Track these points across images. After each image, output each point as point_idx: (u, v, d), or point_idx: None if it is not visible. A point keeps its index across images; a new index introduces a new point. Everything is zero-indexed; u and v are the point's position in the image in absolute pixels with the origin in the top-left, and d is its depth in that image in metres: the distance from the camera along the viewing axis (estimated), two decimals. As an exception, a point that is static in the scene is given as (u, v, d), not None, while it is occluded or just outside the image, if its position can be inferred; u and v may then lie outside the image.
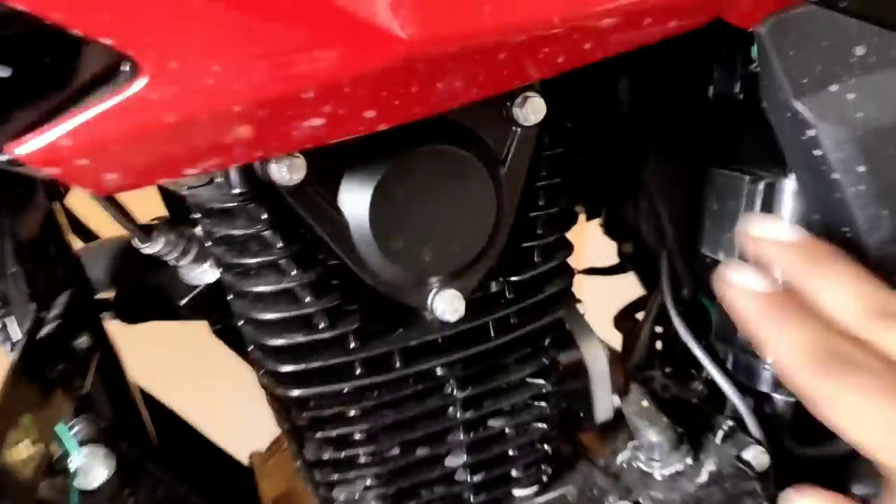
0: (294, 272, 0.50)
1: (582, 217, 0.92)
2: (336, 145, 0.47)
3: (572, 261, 0.61)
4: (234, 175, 0.47)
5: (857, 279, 0.44)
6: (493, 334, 0.57)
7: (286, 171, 0.45)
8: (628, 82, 0.74)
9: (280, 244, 0.49)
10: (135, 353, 0.71)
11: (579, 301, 0.70)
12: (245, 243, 0.51)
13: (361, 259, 0.49)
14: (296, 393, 0.54)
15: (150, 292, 0.66)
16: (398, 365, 0.54)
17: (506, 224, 0.53)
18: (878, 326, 0.42)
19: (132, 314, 0.66)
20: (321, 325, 0.52)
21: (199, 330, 0.68)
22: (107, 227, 0.66)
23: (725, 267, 0.45)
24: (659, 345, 0.84)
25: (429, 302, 0.52)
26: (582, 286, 0.73)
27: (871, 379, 0.40)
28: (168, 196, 0.65)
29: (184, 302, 0.63)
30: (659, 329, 0.82)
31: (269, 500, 0.73)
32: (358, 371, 0.54)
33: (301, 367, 0.52)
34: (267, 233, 0.49)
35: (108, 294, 0.68)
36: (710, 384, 0.77)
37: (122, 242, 0.70)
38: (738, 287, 0.45)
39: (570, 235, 0.61)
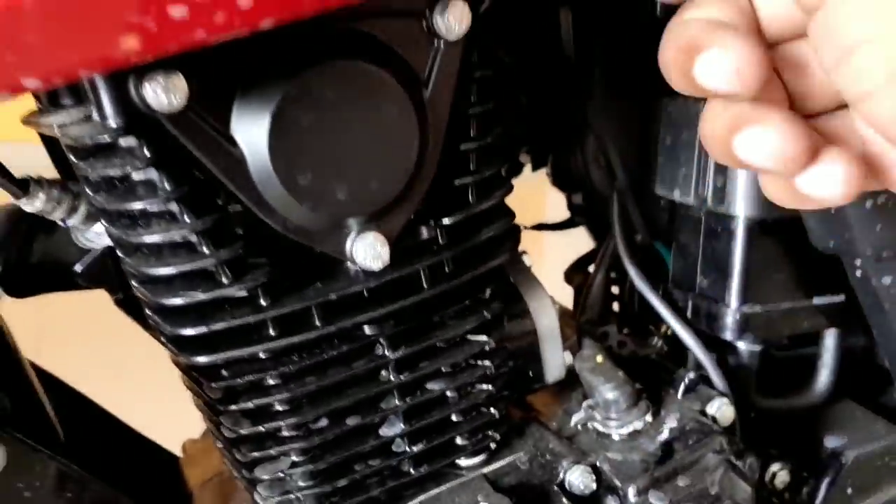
0: (187, 218, 0.43)
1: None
2: (224, 61, 0.40)
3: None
4: (107, 104, 0.40)
5: None
6: (425, 285, 0.50)
7: (163, 94, 0.38)
8: (569, 13, 0.68)
9: (167, 185, 0.42)
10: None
11: (524, 252, 0.65)
12: (127, 185, 0.43)
13: (263, 199, 0.43)
14: (202, 359, 0.47)
15: (39, 260, 0.58)
16: (318, 323, 0.48)
17: (432, 156, 0.47)
18: None
19: (20, 286, 0.58)
20: (224, 280, 0.45)
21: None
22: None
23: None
24: (615, 307, 0.78)
25: (348, 248, 0.45)
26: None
27: None
28: (55, 154, 0.58)
29: (78, 268, 0.56)
30: (614, 290, 0.77)
31: (196, 486, 0.66)
32: (271, 332, 0.47)
33: (204, 329, 0.46)
34: (151, 172, 0.42)
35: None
36: (671, 340, 0.72)
37: (6, 210, 0.62)
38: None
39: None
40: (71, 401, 0.66)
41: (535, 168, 0.83)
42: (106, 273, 0.57)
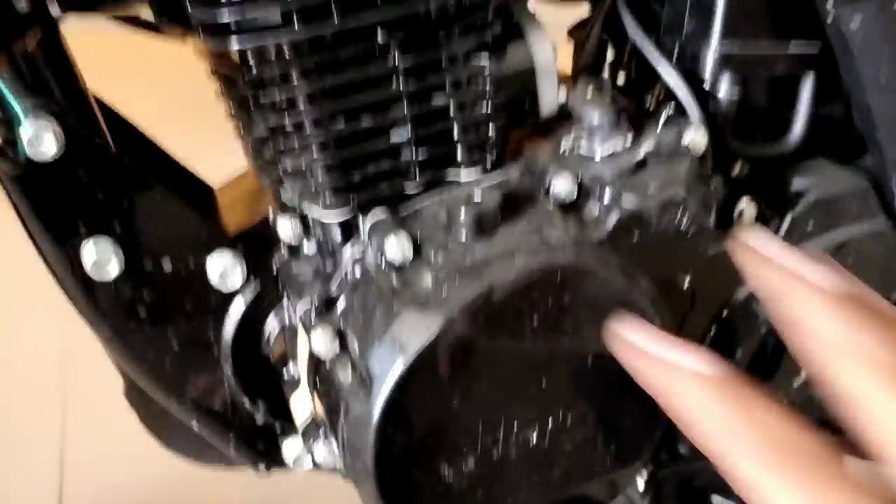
0: None
1: None
2: None
3: None
4: None
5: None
6: (432, -5, 0.57)
7: None
8: None
9: None
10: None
11: (530, -2, 0.70)
12: None
13: None
14: (236, 46, 0.54)
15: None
16: (337, 20, 0.54)
17: None
18: None
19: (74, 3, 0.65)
20: (255, -28, 0.52)
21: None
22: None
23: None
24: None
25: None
26: None
27: None
28: None
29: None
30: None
31: (226, 201, 0.75)
32: (296, 25, 0.54)
33: (239, 17, 0.53)
34: None
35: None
36: (663, 99, 0.78)
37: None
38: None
39: None
40: (119, 123, 0.73)
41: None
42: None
